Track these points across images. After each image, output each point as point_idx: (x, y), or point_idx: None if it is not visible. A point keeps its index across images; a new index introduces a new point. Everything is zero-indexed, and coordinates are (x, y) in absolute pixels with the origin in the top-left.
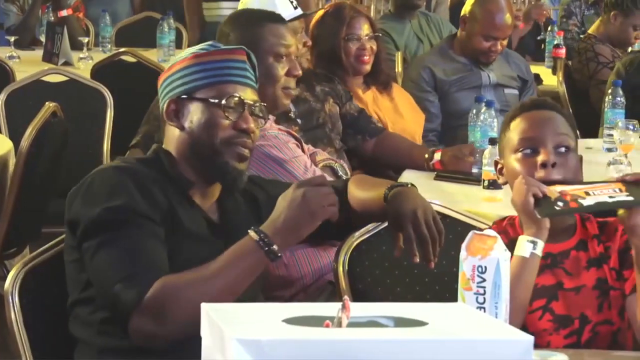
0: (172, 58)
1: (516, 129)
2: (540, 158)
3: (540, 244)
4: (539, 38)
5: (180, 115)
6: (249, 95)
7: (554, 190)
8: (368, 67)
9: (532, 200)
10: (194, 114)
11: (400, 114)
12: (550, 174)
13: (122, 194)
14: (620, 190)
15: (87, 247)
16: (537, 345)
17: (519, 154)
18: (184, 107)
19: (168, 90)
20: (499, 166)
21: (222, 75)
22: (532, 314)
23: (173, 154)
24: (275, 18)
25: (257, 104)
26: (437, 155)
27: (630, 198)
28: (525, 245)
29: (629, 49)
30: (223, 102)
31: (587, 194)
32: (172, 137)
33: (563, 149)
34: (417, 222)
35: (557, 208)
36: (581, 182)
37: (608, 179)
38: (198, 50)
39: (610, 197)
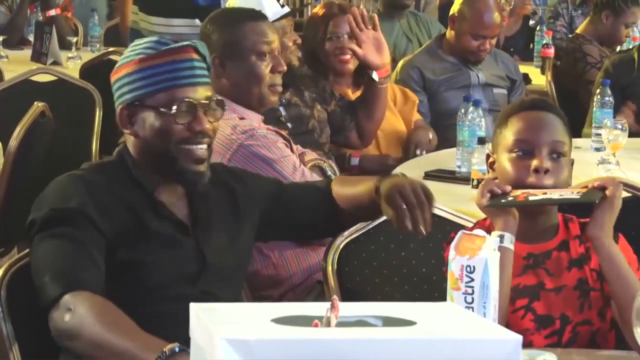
0: None
1: (513, 127)
2: (534, 163)
3: (508, 236)
4: (530, 23)
5: (134, 121)
6: (200, 94)
7: (518, 191)
8: (350, 67)
9: (487, 195)
10: (146, 121)
11: (392, 112)
12: (542, 179)
13: (72, 198)
14: (577, 193)
15: (34, 242)
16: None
17: (513, 155)
18: (136, 114)
19: (118, 95)
20: (491, 160)
21: (170, 80)
22: (515, 313)
23: (135, 157)
24: (255, 16)
25: (212, 100)
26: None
27: (577, 196)
28: (493, 240)
29: (617, 49)
30: (173, 110)
31: (544, 194)
32: (130, 142)
33: (556, 155)
34: (404, 191)
35: (503, 201)
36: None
37: (579, 185)
38: (143, 49)
39: (560, 195)
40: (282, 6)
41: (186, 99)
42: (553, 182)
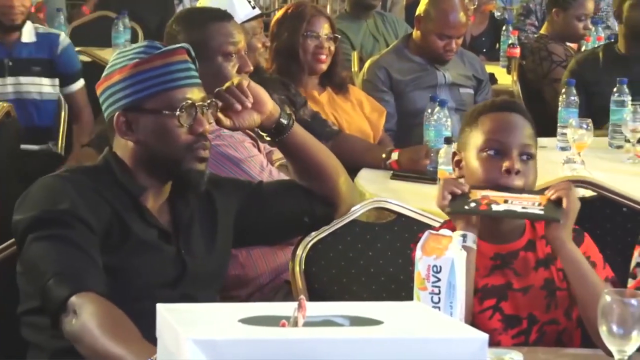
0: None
1: (484, 127)
2: (505, 164)
3: (471, 236)
4: (497, 15)
5: (134, 127)
6: (197, 95)
7: (477, 192)
8: (324, 67)
9: (448, 197)
10: (147, 126)
11: (358, 114)
12: (513, 180)
13: (63, 200)
14: (539, 204)
15: (26, 241)
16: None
17: (484, 154)
18: (134, 119)
19: (112, 101)
20: (457, 158)
21: (167, 82)
22: (483, 313)
23: (126, 162)
24: (221, 16)
25: (207, 101)
26: (394, 155)
27: (540, 212)
28: (456, 240)
29: (583, 47)
30: (177, 112)
31: (506, 201)
32: (126, 148)
33: (526, 157)
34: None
35: (466, 207)
36: (510, 191)
37: (537, 192)
38: (136, 54)
39: (523, 207)
40: (253, 7)
41: (188, 100)
42: (523, 184)
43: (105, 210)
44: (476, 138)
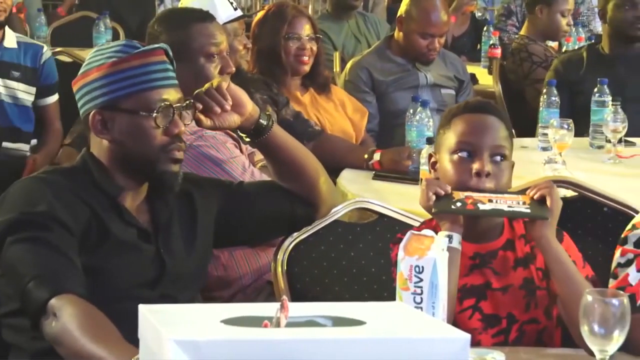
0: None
1: (456, 129)
2: (475, 166)
3: (456, 237)
4: (478, 16)
5: (109, 126)
6: (173, 96)
7: (460, 193)
8: (307, 68)
9: (433, 197)
10: (123, 125)
11: (341, 114)
12: (484, 182)
13: (40, 202)
14: (524, 203)
15: (4, 244)
16: None
17: (455, 156)
18: (110, 118)
19: (88, 99)
20: (433, 160)
21: (145, 82)
22: (462, 313)
23: (102, 162)
24: (203, 17)
25: (184, 102)
26: (377, 156)
27: (527, 210)
28: (442, 241)
29: (563, 48)
30: (154, 114)
31: (490, 201)
32: (101, 147)
33: (499, 158)
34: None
35: (453, 207)
36: (492, 192)
37: (518, 192)
38: (114, 53)
39: (509, 206)
40: (235, 9)
41: (165, 101)
42: (494, 186)
43: (83, 211)
44: (449, 140)
